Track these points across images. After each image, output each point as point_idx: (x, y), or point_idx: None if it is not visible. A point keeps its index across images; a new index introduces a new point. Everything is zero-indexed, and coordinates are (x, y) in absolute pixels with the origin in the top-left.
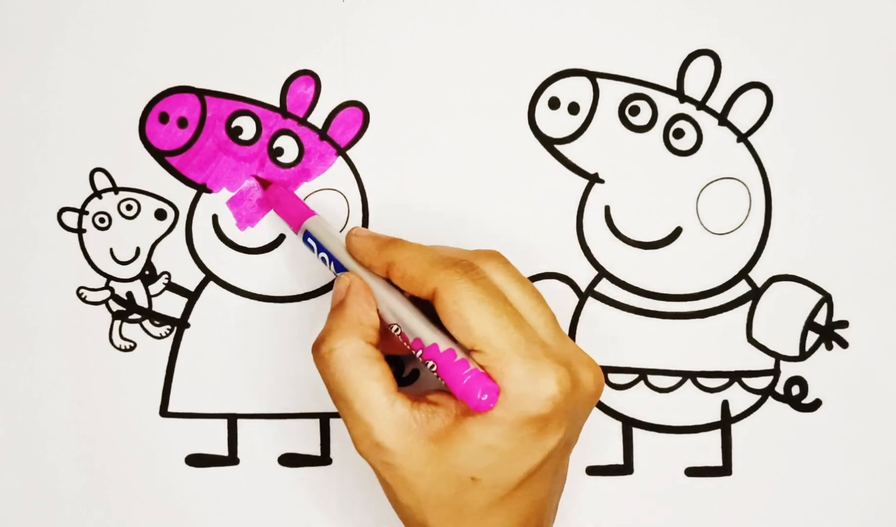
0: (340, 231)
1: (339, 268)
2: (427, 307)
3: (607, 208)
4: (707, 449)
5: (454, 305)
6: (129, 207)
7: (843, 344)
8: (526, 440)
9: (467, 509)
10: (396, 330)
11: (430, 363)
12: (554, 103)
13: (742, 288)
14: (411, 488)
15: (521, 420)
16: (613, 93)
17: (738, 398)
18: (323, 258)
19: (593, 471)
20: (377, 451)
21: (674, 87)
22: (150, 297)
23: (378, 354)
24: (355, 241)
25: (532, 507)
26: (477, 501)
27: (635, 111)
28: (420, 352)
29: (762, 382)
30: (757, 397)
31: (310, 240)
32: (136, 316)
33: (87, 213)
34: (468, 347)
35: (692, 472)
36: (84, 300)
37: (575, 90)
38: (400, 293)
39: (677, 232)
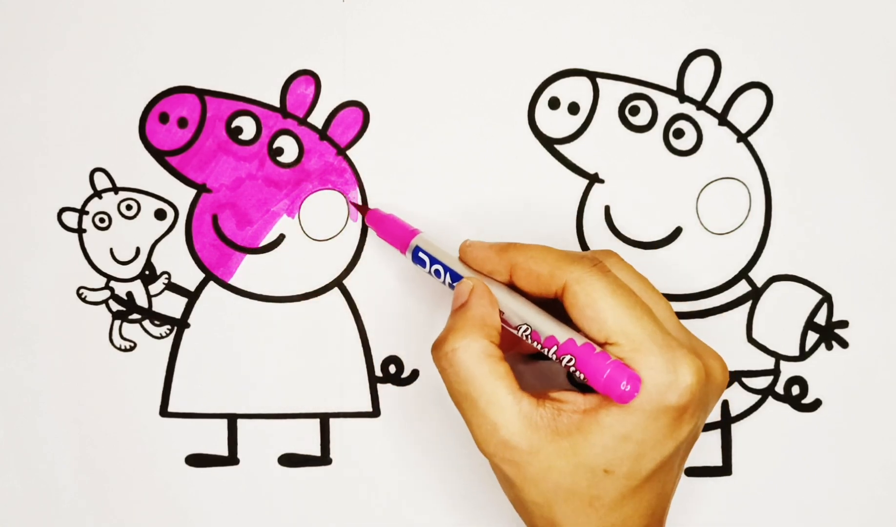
0: (342, 228)
1: (455, 278)
2: (546, 308)
3: (607, 208)
4: (707, 449)
5: (587, 297)
6: (129, 207)
7: (843, 344)
8: (662, 430)
9: (598, 502)
10: (526, 331)
11: (568, 358)
12: (554, 103)
13: (742, 288)
14: (539, 484)
15: (658, 410)
16: (613, 93)
17: (738, 398)
18: (437, 271)
19: None
20: (504, 449)
21: (674, 87)
22: (150, 297)
23: (500, 353)
24: (471, 250)
25: (658, 499)
26: (609, 493)
27: (635, 111)
28: (554, 348)
29: (762, 382)
30: (757, 397)
31: (421, 254)
32: (136, 316)
33: (87, 213)
34: (601, 341)
35: (692, 472)
36: (84, 300)
37: (575, 90)
38: (522, 295)
39: (677, 232)
